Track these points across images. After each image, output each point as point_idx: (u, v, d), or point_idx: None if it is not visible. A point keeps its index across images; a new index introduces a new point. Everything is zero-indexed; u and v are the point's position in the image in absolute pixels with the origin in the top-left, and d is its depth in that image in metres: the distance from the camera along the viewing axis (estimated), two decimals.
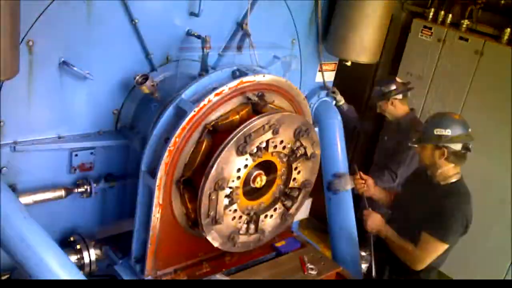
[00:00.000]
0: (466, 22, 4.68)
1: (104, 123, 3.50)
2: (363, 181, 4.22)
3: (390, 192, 4.36)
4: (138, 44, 3.41)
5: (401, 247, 3.70)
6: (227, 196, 3.15)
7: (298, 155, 3.35)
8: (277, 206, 3.48)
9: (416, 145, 3.74)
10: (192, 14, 3.57)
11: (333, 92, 4.67)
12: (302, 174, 3.48)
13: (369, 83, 5.76)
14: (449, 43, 4.75)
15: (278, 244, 3.81)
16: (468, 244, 4.72)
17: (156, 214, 3.09)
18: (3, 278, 3.27)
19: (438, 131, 3.56)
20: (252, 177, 3.23)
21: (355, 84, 5.66)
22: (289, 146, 3.28)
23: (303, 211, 4.56)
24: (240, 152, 3.00)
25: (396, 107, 4.82)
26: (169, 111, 3.09)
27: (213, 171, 2.95)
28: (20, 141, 3.16)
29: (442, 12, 4.81)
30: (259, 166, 3.26)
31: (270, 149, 3.18)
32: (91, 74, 3.22)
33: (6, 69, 2.51)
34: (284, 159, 3.35)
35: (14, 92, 3.00)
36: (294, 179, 3.46)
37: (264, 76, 3.22)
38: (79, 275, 2.92)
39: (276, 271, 3.55)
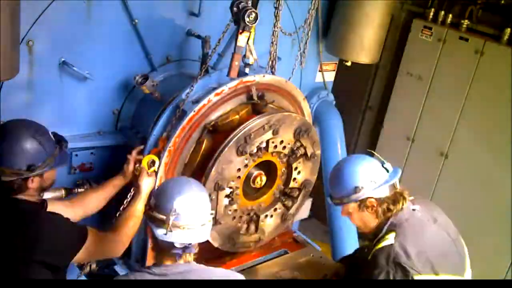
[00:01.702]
0: (466, 22, 4.67)
1: (104, 123, 3.50)
2: None
3: None
4: (138, 44, 3.41)
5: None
6: (227, 196, 3.15)
7: (298, 155, 3.35)
8: (277, 206, 3.48)
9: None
10: (192, 14, 3.58)
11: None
12: (302, 174, 3.48)
13: (369, 83, 5.76)
14: (449, 43, 4.74)
15: None
16: (468, 244, 4.72)
17: None
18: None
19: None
20: (252, 177, 3.23)
21: (355, 84, 5.66)
22: (289, 146, 3.28)
23: (303, 211, 4.56)
24: (240, 152, 3.00)
25: None
26: (169, 111, 3.09)
27: (213, 171, 2.95)
28: None
29: (442, 12, 4.80)
30: (259, 166, 3.26)
31: (270, 149, 3.18)
32: (91, 74, 3.22)
33: (6, 69, 2.52)
34: (284, 159, 3.35)
35: (14, 92, 3.00)
36: (294, 179, 3.46)
37: (264, 76, 3.22)
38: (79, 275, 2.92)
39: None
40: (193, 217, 2.26)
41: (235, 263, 3.59)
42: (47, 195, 3.29)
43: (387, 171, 2.69)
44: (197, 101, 3.02)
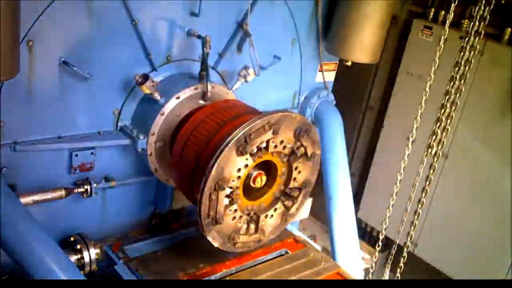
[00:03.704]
0: (466, 22, 4.68)
1: (104, 123, 3.50)
2: None
3: None
4: (138, 44, 3.41)
5: None
6: (227, 196, 3.15)
7: (299, 155, 3.35)
8: (277, 206, 3.48)
9: None
10: (192, 14, 3.58)
11: None
12: (302, 174, 3.47)
13: (369, 83, 5.77)
14: (450, 43, 4.75)
15: None
16: (468, 244, 4.73)
17: None
18: (3, 278, 3.27)
19: None
20: (252, 177, 3.23)
21: (355, 84, 5.66)
22: (289, 146, 3.28)
23: (303, 211, 4.55)
24: (240, 152, 3.00)
25: None
26: None
27: (213, 171, 2.95)
28: (20, 141, 3.16)
29: (443, 12, 4.81)
30: (259, 166, 3.26)
31: (271, 149, 3.18)
32: (91, 74, 3.22)
33: (6, 69, 2.51)
34: (285, 159, 3.35)
35: (14, 92, 3.00)
36: (295, 179, 3.46)
37: None
38: (79, 275, 2.92)
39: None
40: None
41: (235, 263, 3.60)
42: (47, 195, 3.32)
43: None
44: None
